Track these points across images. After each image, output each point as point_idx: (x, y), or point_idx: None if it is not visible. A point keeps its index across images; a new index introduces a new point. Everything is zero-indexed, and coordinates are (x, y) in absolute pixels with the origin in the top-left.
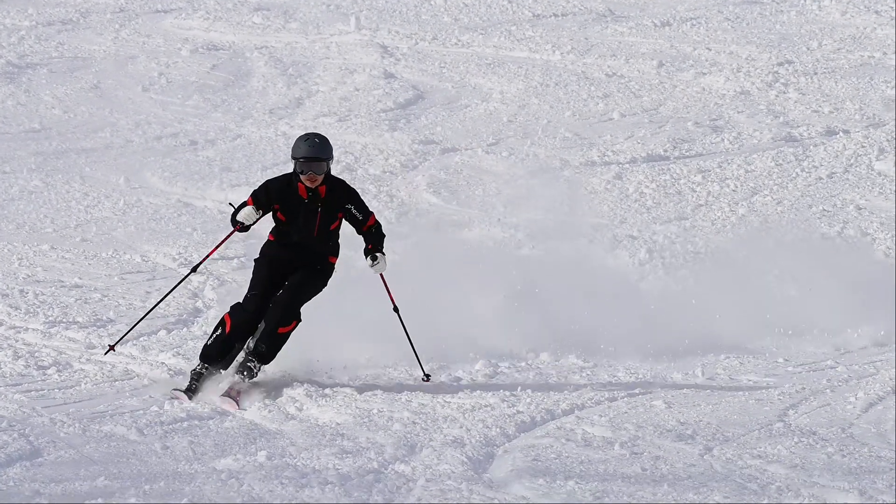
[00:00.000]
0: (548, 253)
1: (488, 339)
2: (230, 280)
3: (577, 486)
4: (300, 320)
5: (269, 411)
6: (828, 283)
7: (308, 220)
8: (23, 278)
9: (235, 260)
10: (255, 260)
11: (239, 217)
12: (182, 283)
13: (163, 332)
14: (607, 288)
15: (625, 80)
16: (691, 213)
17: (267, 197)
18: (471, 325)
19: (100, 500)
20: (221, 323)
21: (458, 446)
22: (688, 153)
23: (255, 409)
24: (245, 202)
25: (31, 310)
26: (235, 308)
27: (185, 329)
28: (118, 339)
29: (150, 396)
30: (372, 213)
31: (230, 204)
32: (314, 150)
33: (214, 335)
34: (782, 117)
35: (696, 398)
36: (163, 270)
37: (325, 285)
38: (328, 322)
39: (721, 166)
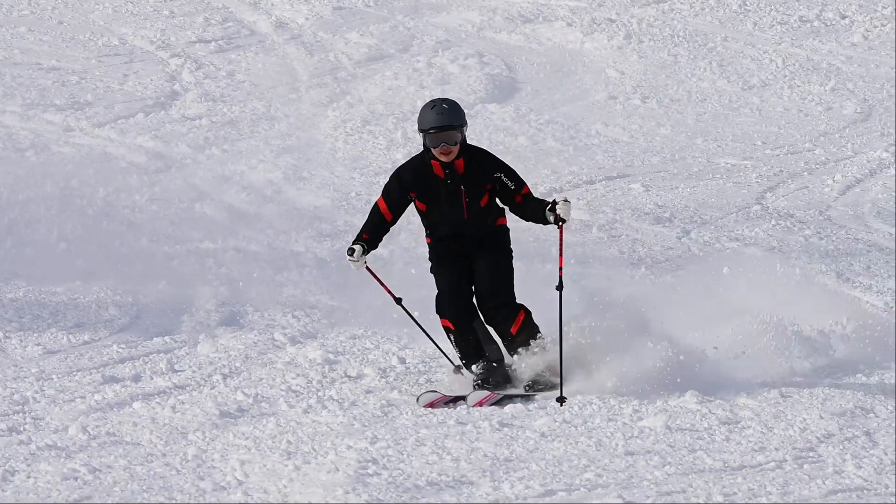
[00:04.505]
0: (526, 37)
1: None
2: (207, 63)
3: (555, 268)
4: (525, 308)
5: (248, 195)
6: (805, 65)
7: (453, 203)
8: None
9: (213, 43)
10: (430, 268)
11: (352, 265)
12: (160, 67)
13: (140, 115)
14: (585, 73)
15: None
16: None
17: (401, 187)
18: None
19: (78, 283)
20: (445, 330)
21: None
22: None
23: (232, 193)
24: (361, 235)
25: (9, 92)
26: (440, 306)
27: (162, 112)
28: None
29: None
30: (525, 183)
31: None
32: (443, 117)
33: (454, 344)
34: None
35: (673, 181)
36: (140, 53)
37: (512, 255)
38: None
39: None
